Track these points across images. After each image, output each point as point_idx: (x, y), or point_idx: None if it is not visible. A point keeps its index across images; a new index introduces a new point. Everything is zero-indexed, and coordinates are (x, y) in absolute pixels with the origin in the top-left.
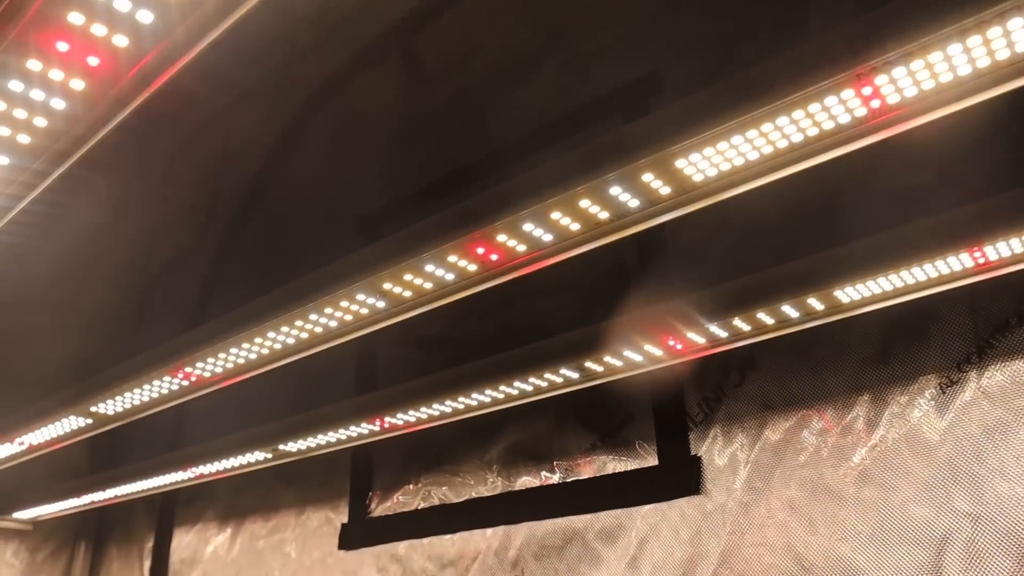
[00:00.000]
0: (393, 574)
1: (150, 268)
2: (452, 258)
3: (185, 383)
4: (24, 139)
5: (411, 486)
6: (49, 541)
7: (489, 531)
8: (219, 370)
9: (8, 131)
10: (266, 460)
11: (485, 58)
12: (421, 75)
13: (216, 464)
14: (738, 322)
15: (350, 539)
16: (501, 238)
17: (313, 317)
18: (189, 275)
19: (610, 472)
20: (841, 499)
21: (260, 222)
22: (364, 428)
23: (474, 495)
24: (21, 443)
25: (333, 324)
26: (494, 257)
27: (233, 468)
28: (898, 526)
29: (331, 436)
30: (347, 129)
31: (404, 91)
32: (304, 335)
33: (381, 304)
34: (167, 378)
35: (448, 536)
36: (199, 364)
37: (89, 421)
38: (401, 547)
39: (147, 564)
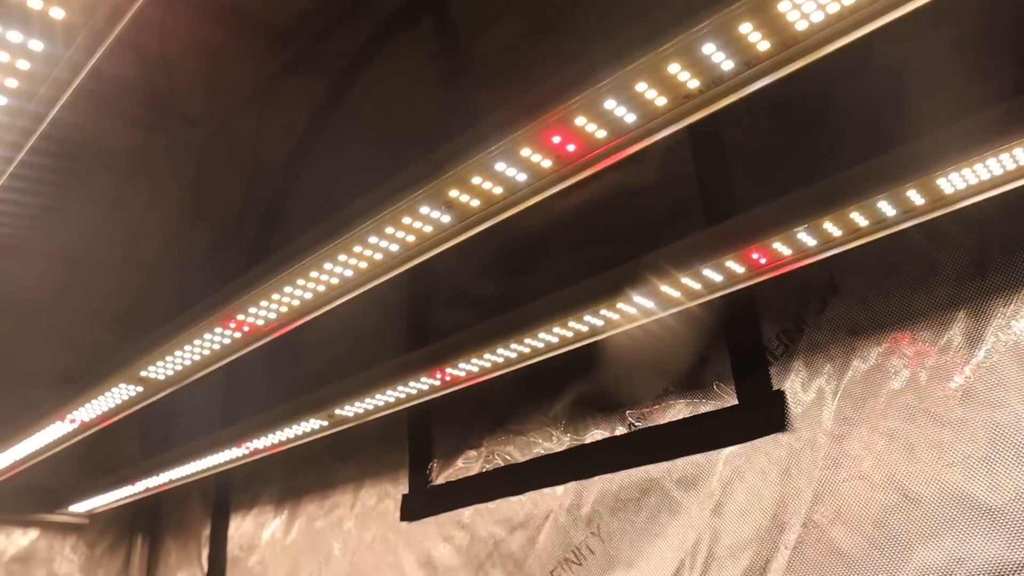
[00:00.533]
0: (460, 542)
1: (190, 257)
2: (525, 151)
3: (238, 334)
4: (58, 13)
5: (473, 451)
6: (106, 535)
7: (560, 489)
8: (273, 316)
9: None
10: (322, 429)
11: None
12: (456, 35)
13: (271, 437)
14: (828, 226)
15: (412, 510)
16: (579, 121)
17: (373, 240)
18: (229, 261)
19: (686, 416)
20: (945, 423)
21: (300, 203)
22: (424, 383)
23: (541, 452)
24: (72, 420)
25: (394, 248)
26: (571, 148)
27: (289, 440)
28: (1013, 446)
29: (389, 395)
30: (385, 97)
31: (440, 53)
32: (363, 264)
33: (447, 218)
34: (218, 330)
35: (516, 497)
36: (251, 310)
37: (140, 389)
38: (466, 513)
39: (205, 552)
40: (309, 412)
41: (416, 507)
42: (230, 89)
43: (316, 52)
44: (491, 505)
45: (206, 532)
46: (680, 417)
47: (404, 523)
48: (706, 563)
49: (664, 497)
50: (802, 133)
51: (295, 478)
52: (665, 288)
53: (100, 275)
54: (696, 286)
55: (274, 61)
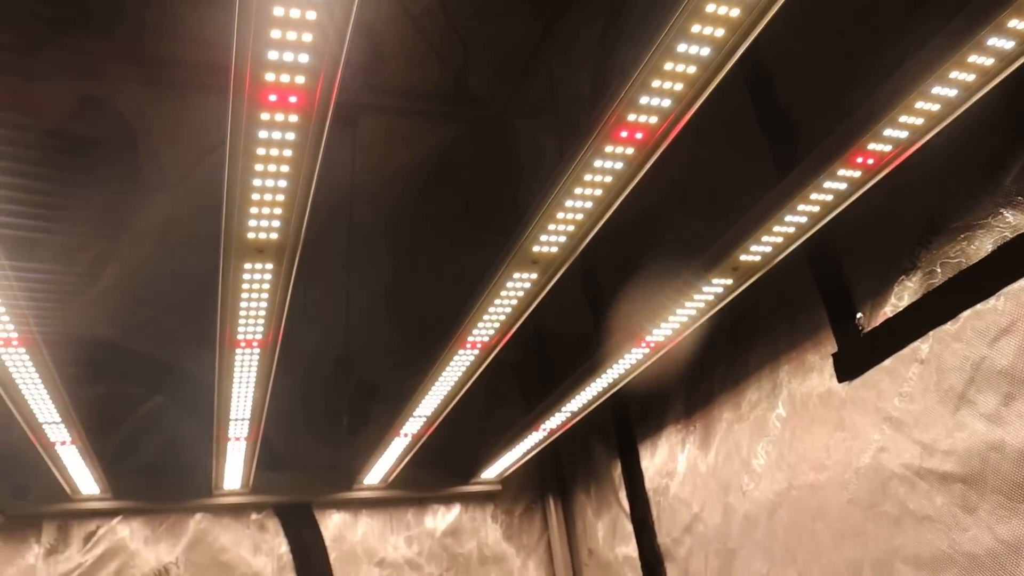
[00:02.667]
0: (925, 381)
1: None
2: None
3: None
4: None
5: (907, 275)
6: (519, 500)
7: None
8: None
9: None
10: (727, 291)
11: None
12: None
13: (672, 321)
14: None
15: (850, 366)
16: None
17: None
18: None
19: None
20: None
21: None
22: (841, 177)
23: (1006, 236)
24: (473, 344)
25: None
26: None
27: (691, 320)
28: None
29: (800, 213)
30: None
31: None
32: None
33: None
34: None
35: (986, 303)
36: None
37: (534, 275)
38: (923, 346)
39: (622, 494)
40: (710, 270)
41: (854, 361)
42: (515, 53)
43: None
44: (952, 327)
45: (617, 473)
46: None
47: (843, 386)
48: None
49: None
50: None
51: (698, 385)
52: None
53: None
54: None
55: (547, 6)
